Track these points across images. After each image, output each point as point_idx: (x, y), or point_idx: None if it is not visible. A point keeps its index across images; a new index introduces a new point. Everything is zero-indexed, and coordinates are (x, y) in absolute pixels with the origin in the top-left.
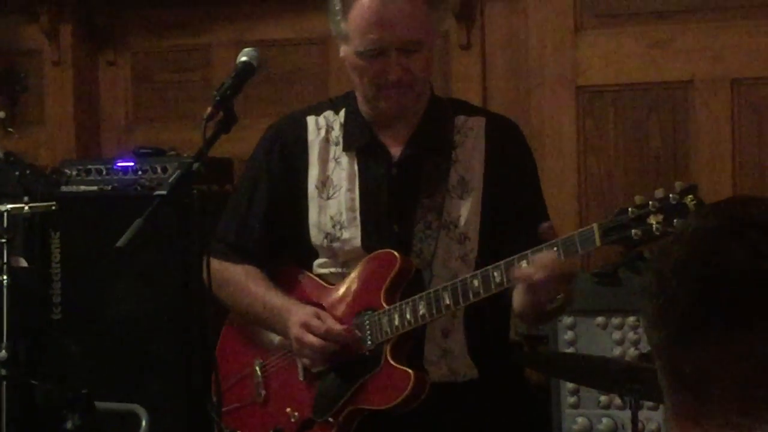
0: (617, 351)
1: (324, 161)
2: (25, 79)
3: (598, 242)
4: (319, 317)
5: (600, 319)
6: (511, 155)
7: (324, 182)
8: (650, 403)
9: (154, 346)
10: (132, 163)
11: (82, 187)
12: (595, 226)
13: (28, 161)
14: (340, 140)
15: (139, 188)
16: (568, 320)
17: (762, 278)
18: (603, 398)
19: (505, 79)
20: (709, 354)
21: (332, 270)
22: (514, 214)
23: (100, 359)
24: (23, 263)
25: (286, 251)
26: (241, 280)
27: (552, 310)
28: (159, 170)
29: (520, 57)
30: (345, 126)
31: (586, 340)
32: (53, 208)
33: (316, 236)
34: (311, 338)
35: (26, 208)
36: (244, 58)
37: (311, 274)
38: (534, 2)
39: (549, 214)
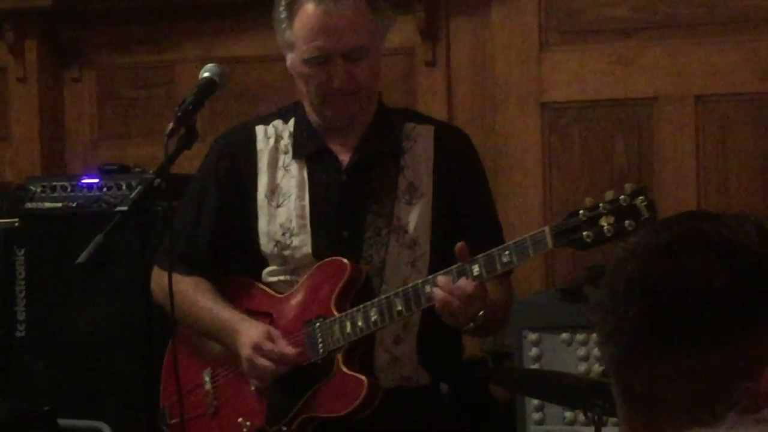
0: (582, 367)
1: (273, 169)
2: None
3: (550, 244)
4: (270, 338)
5: (565, 336)
6: (460, 161)
7: (273, 190)
8: (614, 419)
9: (117, 362)
10: (97, 180)
11: (47, 204)
12: (546, 228)
13: None
14: (290, 148)
15: (103, 205)
16: (533, 336)
17: (709, 296)
18: (568, 414)
19: (470, 95)
20: (658, 371)
21: (281, 278)
22: (464, 219)
23: (63, 376)
24: None
25: (235, 260)
26: (189, 292)
27: (470, 330)
28: (124, 187)
29: (485, 74)
30: (294, 134)
31: (550, 356)
32: (17, 224)
33: (266, 245)
34: (264, 362)
35: None
36: (206, 74)
37: (260, 284)
38: (499, 19)
39: (499, 219)
